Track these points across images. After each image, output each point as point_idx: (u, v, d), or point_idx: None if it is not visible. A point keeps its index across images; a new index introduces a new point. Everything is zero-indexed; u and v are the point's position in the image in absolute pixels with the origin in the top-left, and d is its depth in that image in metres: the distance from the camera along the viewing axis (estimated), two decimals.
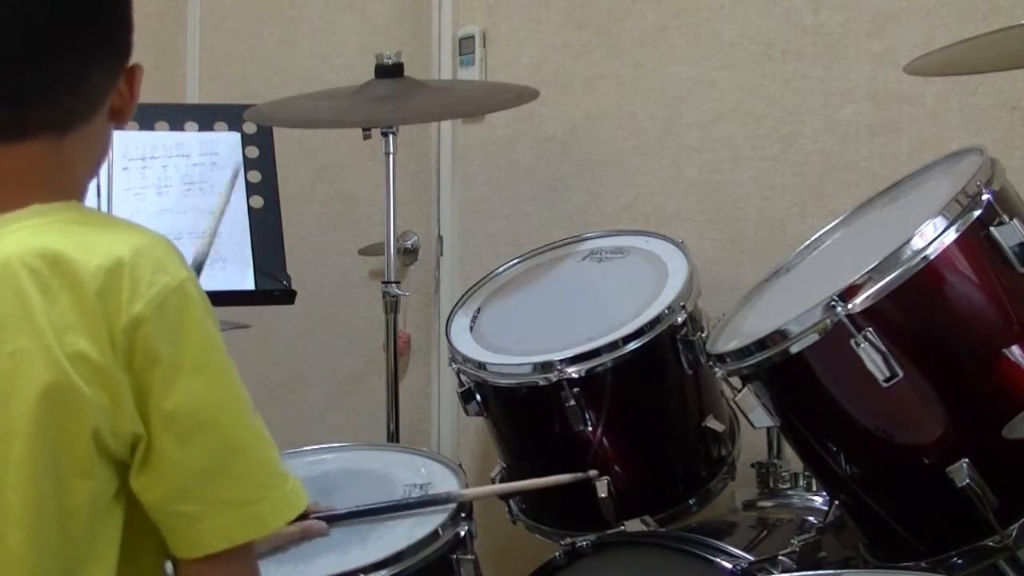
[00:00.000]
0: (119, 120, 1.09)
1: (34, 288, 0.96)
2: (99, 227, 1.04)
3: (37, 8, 1.01)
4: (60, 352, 0.95)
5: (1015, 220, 1.33)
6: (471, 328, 1.87)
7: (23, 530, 0.96)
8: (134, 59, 1.09)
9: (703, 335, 1.71)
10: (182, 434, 0.99)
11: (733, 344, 1.48)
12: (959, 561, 1.35)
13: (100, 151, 1.10)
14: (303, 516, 1.10)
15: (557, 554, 1.66)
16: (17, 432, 0.95)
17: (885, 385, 1.31)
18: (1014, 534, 1.31)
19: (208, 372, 1.01)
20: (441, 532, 1.54)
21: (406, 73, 2.07)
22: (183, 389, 0.98)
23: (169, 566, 1.07)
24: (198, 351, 1.00)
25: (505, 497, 1.85)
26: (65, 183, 1.06)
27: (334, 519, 1.56)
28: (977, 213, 1.32)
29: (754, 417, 1.47)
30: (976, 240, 1.33)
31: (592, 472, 1.68)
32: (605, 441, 1.71)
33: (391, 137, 2.12)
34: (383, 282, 2.13)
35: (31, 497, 0.96)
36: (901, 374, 1.31)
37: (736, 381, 1.50)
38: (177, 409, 0.98)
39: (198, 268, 1.40)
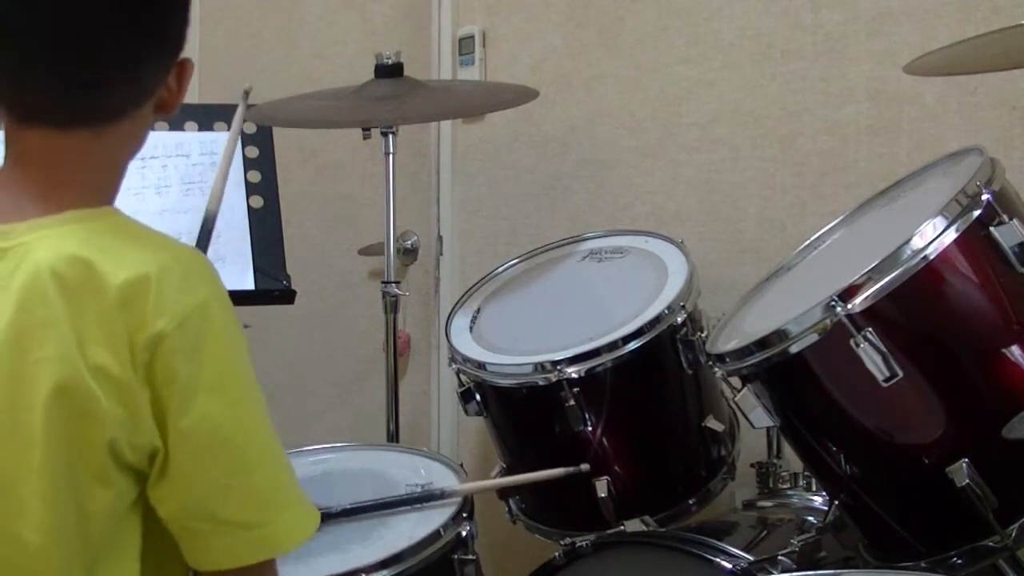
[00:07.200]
0: (164, 113, 1.08)
1: (61, 297, 0.96)
2: (131, 238, 1.03)
3: None
4: (82, 362, 0.95)
5: (1015, 220, 1.32)
6: (471, 328, 1.87)
7: (43, 535, 0.97)
8: None
9: (703, 335, 1.71)
10: (196, 452, 0.99)
11: (733, 344, 1.48)
12: (959, 561, 1.35)
13: (139, 142, 1.10)
14: None
15: (557, 554, 1.66)
16: (38, 439, 0.96)
17: (885, 385, 1.31)
18: (1014, 534, 1.31)
19: (225, 392, 1.01)
20: (442, 532, 1.54)
21: (406, 73, 2.07)
22: (198, 409, 0.98)
23: None
24: (217, 371, 1.00)
25: (505, 496, 1.84)
26: (102, 177, 1.06)
27: (330, 517, 1.56)
28: (977, 213, 1.32)
29: (754, 417, 1.47)
30: (976, 240, 1.32)
31: (584, 466, 1.68)
32: (605, 441, 1.71)
33: (391, 137, 2.12)
34: (383, 282, 2.13)
35: (51, 503, 0.96)
36: (901, 374, 1.31)
37: (736, 381, 1.50)
38: (192, 428, 0.98)
39: (209, 230, 1.42)
